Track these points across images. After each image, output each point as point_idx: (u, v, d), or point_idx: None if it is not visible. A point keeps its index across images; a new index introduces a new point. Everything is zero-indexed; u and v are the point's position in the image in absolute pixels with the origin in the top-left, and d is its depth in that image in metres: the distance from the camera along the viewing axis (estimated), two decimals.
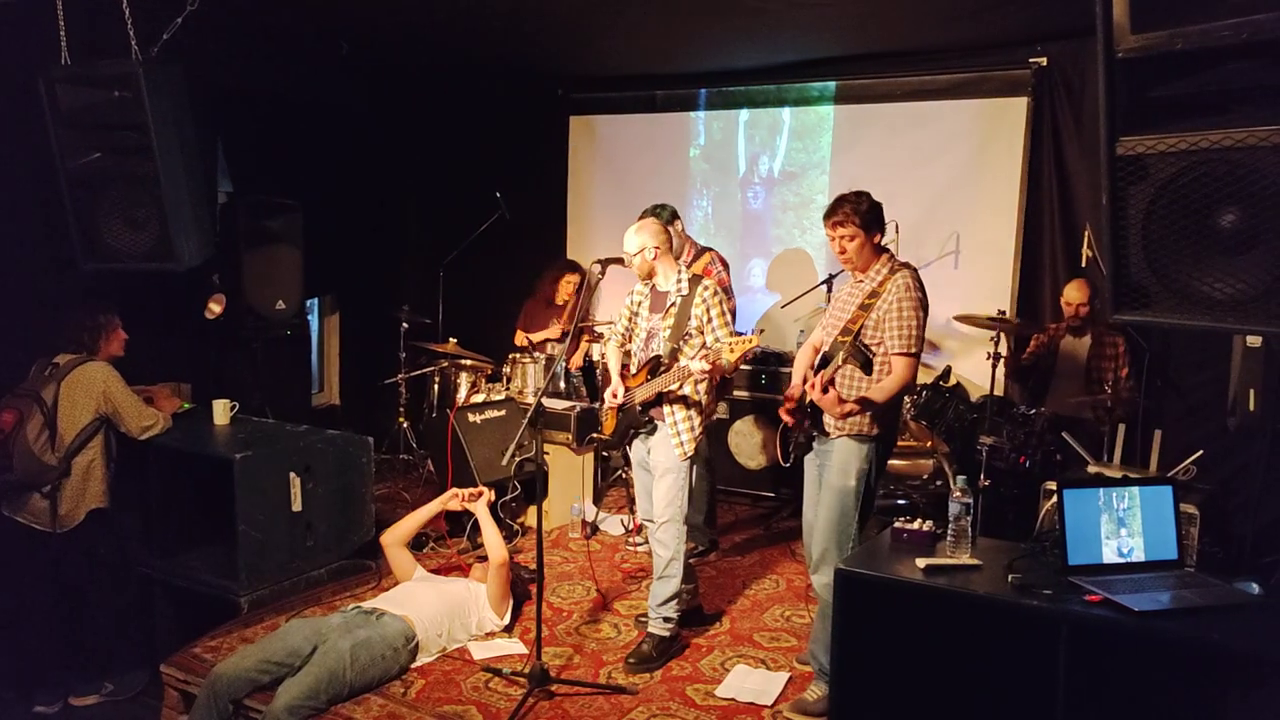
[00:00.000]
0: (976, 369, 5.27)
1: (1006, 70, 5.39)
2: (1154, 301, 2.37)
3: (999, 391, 4.75)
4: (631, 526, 5.16)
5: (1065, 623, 2.35)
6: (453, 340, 5.99)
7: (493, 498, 4.19)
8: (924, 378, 5.11)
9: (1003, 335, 4.77)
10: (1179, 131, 2.25)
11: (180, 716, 3.50)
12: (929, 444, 4.81)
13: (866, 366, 3.18)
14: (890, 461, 4.89)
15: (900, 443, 4.95)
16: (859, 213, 3.26)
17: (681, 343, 3.65)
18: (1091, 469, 4.00)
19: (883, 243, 3.44)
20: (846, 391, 3.28)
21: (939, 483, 4.90)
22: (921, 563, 2.62)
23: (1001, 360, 4.68)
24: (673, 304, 3.74)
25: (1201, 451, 3.51)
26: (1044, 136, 5.32)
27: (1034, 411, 4.56)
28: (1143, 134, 2.29)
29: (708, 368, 3.40)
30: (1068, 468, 4.36)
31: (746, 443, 5.76)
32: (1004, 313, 4.81)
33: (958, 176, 5.62)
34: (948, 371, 4.96)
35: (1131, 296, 2.40)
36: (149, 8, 3.83)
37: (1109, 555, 2.58)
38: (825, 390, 3.17)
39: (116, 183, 3.84)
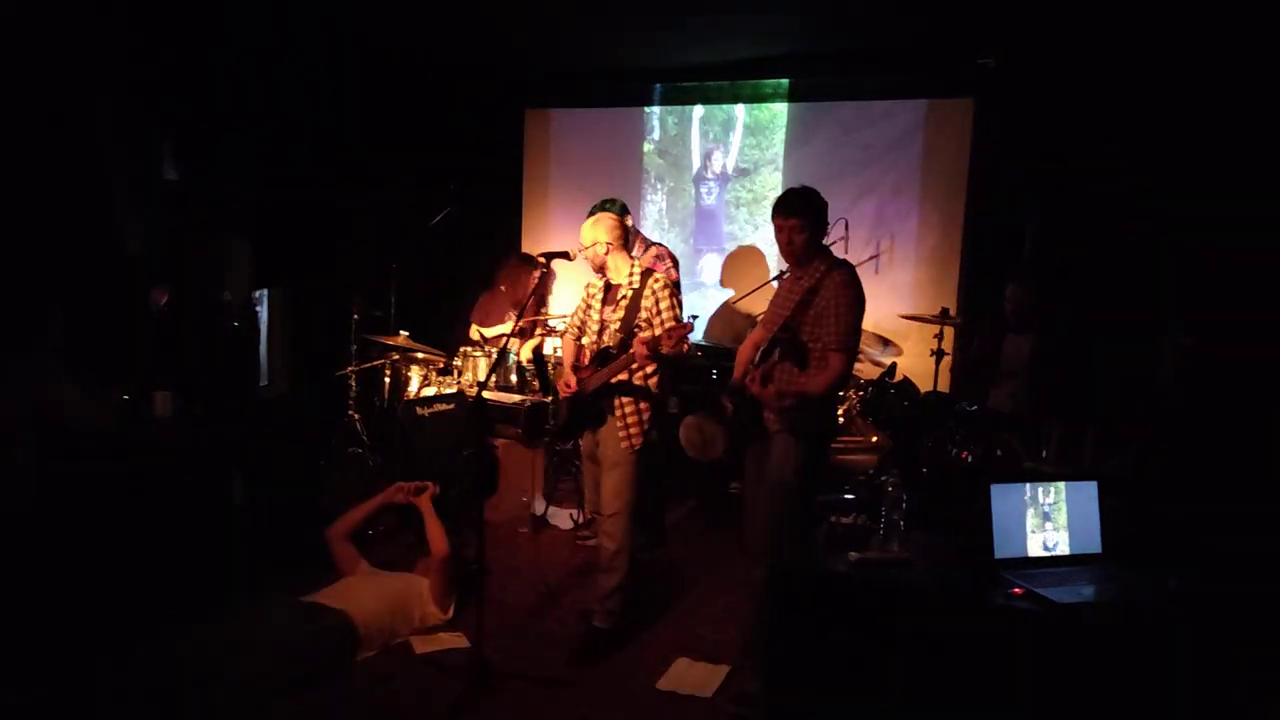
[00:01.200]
0: (923, 366, 5.35)
1: (954, 71, 5.46)
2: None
3: (942, 388, 4.82)
4: (580, 520, 5.17)
5: (989, 615, 2.41)
6: (404, 333, 5.95)
7: (437, 492, 4.18)
8: (870, 374, 5.19)
9: (945, 332, 4.84)
10: None
11: None
12: (874, 439, 4.87)
13: (801, 362, 3.23)
14: (837, 456, 4.98)
15: (846, 438, 5.02)
16: (811, 208, 3.32)
17: (631, 334, 3.67)
18: (1027, 465, 4.07)
19: (825, 242, 3.51)
20: (784, 386, 3.32)
21: (884, 478, 4.96)
22: (853, 556, 2.66)
23: (945, 357, 4.75)
24: (624, 296, 3.77)
25: (1134, 445, 3.60)
26: (988, 137, 5.40)
27: (974, 407, 4.63)
28: None
29: (645, 352, 3.42)
30: (1008, 463, 4.43)
31: (696, 436, 5.78)
32: (948, 310, 4.88)
33: (906, 174, 5.70)
34: (893, 368, 5.03)
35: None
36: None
37: (1034, 549, 2.64)
38: (764, 384, 3.21)
39: (56, 170, 3.78)
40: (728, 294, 6.24)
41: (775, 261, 6.01)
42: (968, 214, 5.53)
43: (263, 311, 6.55)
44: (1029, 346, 4.92)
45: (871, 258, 5.72)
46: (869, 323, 5.68)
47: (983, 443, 4.59)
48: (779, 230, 3.42)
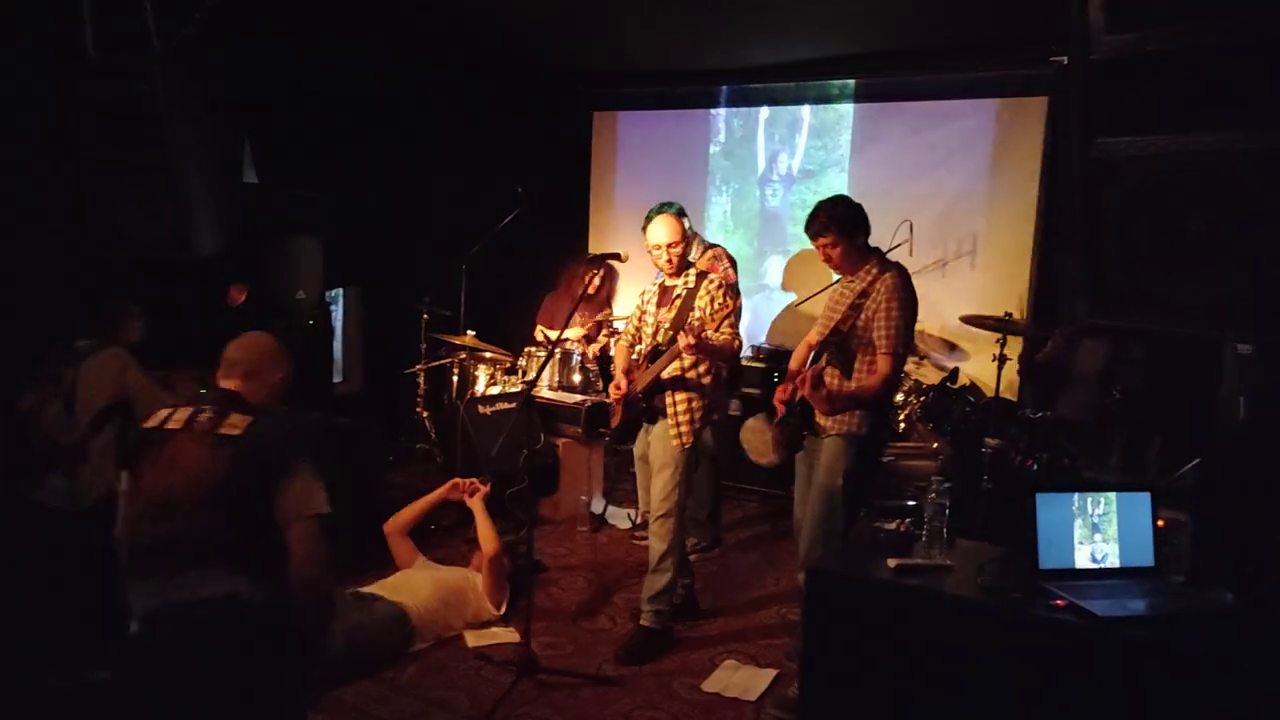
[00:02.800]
0: (990, 371, 5.23)
1: (1026, 69, 5.32)
2: (1126, 306, 2.35)
3: (1006, 393, 4.71)
4: (638, 520, 5.20)
5: (1029, 626, 2.35)
6: (470, 333, 6.07)
7: (489, 491, 4.25)
8: (932, 379, 5.09)
9: (1009, 337, 4.72)
10: (1152, 135, 2.23)
11: None
12: (934, 445, 4.78)
13: (851, 365, 3.20)
14: (897, 462, 4.91)
15: (906, 444, 4.94)
16: (835, 219, 3.29)
17: (681, 333, 3.69)
18: (1087, 475, 3.96)
19: (886, 242, 3.46)
20: (834, 389, 3.30)
21: (947, 484, 4.86)
22: (893, 562, 2.62)
23: (1008, 362, 4.64)
24: (678, 296, 3.79)
25: (1200, 459, 3.46)
26: (1062, 136, 5.24)
27: (1039, 415, 4.51)
28: (1116, 137, 2.28)
29: (692, 341, 3.43)
30: (1072, 472, 4.31)
31: (757, 439, 5.75)
32: (1011, 314, 4.76)
33: (975, 176, 5.57)
34: (955, 373, 4.93)
35: (1104, 301, 2.39)
36: (173, 3, 3.93)
37: (1082, 560, 2.56)
38: (815, 386, 3.19)
39: (133, 174, 3.95)
40: (791, 296, 6.19)
41: None
42: (1040, 216, 5.38)
43: (338, 311, 6.77)
44: (1103, 353, 4.77)
45: (937, 261, 5.61)
46: (935, 327, 5.61)
47: (1049, 451, 4.47)
48: (816, 248, 3.41)
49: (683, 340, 3.48)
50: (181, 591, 2.23)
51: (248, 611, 2.23)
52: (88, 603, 3.98)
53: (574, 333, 5.94)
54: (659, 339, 3.78)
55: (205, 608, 2.22)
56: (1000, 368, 4.57)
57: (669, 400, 3.72)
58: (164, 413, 2.44)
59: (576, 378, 5.80)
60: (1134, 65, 2.20)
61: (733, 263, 5.02)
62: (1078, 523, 2.58)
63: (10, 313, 4.36)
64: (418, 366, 6.30)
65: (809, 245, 6.20)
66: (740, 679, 3.55)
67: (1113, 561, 2.58)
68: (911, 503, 4.81)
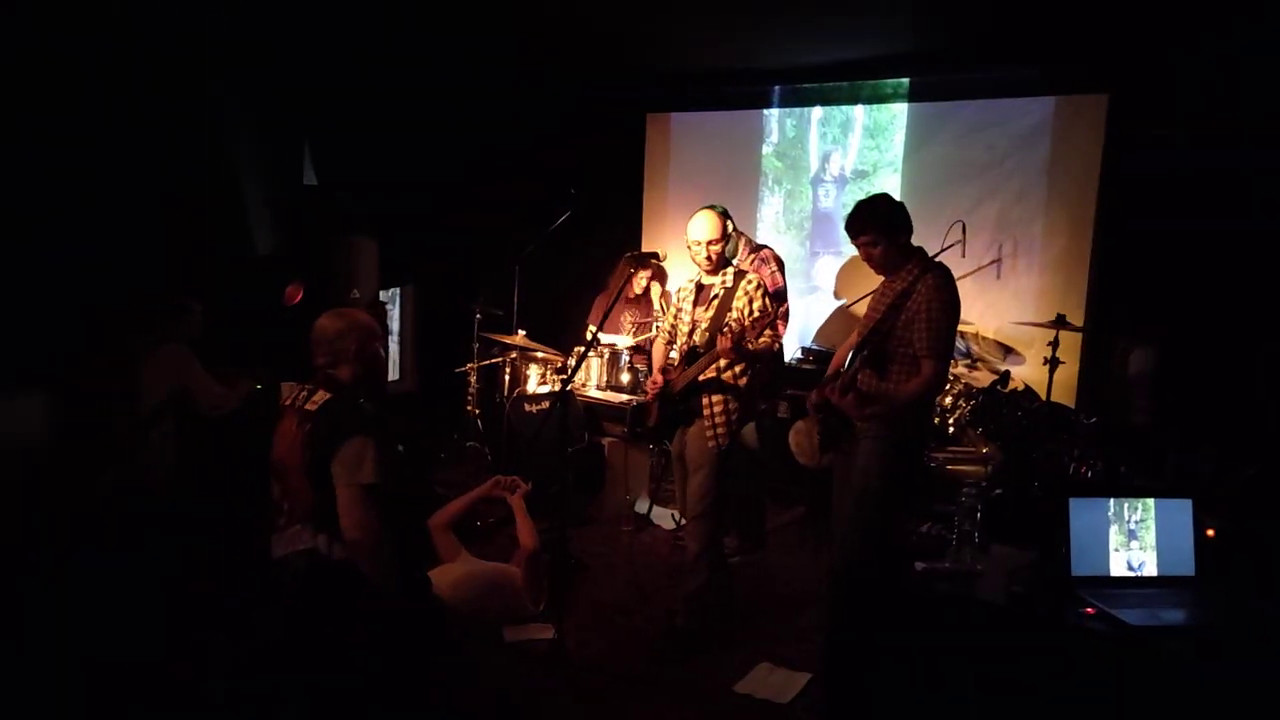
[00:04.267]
0: (1043, 374, 5.10)
1: (1087, 65, 5.18)
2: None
3: (1057, 398, 4.59)
4: (682, 520, 5.19)
5: (1057, 634, 2.29)
6: (521, 332, 6.13)
7: (529, 489, 4.28)
8: (984, 383, 4.99)
9: (1061, 340, 4.60)
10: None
11: None
12: (984, 450, 4.68)
13: (889, 367, 3.14)
14: (946, 466, 4.82)
15: (955, 448, 4.85)
16: (877, 219, 3.23)
17: (719, 333, 3.67)
18: (1136, 483, 3.84)
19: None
20: (871, 392, 3.25)
21: (998, 490, 4.77)
22: (920, 566, 2.58)
23: (1060, 366, 4.52)
24: (715, 296, 3.78)
25: (1256, 467, 3.32)
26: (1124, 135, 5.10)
27: (1093, 421, 4.39)
28: None
29: (729, 345, 3.41)
30: (1128, 480, 4.19)
31: (805, 442, 5.70)
32: (1063, 317, 4.63)
33: (1033, 176, 5.45)
34: (1006, 376, 4.82)
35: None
36: (233, 10, 4.07)
37: (1118, 568, 2.49)
38: (845, 393, 3.15)
39: (197, 174, 4.10)
40: (843, 299, 6.12)
41: None
42: (1099, 217, 5.23)
43: (394, 309, 6.89)
44: (1154, 358, 4.63)
45: (993, 262, 5.50)
46: (990, 329, 5.49)
47: (1104, 457, 4.35)
48: (857, 248, 3.36)
49: (721, 345, 3.47)
50: (288, 544, 2.59)
51: (327, 565, 2.52)
52: (151, 585, 4.14)
53: (623, 340, 5.95)
54: (696, 339, 3.78)
55: (300, 559, 2.56)
56: (1052, 371, 4.45)
57: (705, 402, 3.71)
58: (289, 389, 2.79)
59: (625, 377, 5.81)
60: None
61: (780, 265, 4.97)
62: (1114, 529, 2.51)
63: (78, 308, 4.55)
64: (469, 365, 6.38)
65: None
66: (774, 681, 3.52)
67: (1150, 570, 2.50)
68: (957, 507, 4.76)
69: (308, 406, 2.61)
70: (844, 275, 6.18)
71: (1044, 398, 4.87)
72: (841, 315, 6.09)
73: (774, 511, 5.44)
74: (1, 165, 4.25)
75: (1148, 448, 4.21)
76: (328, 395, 2.62)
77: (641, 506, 5.37)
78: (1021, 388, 5.18)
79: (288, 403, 2.72)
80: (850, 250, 6.17)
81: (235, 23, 4.08)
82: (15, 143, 4.27)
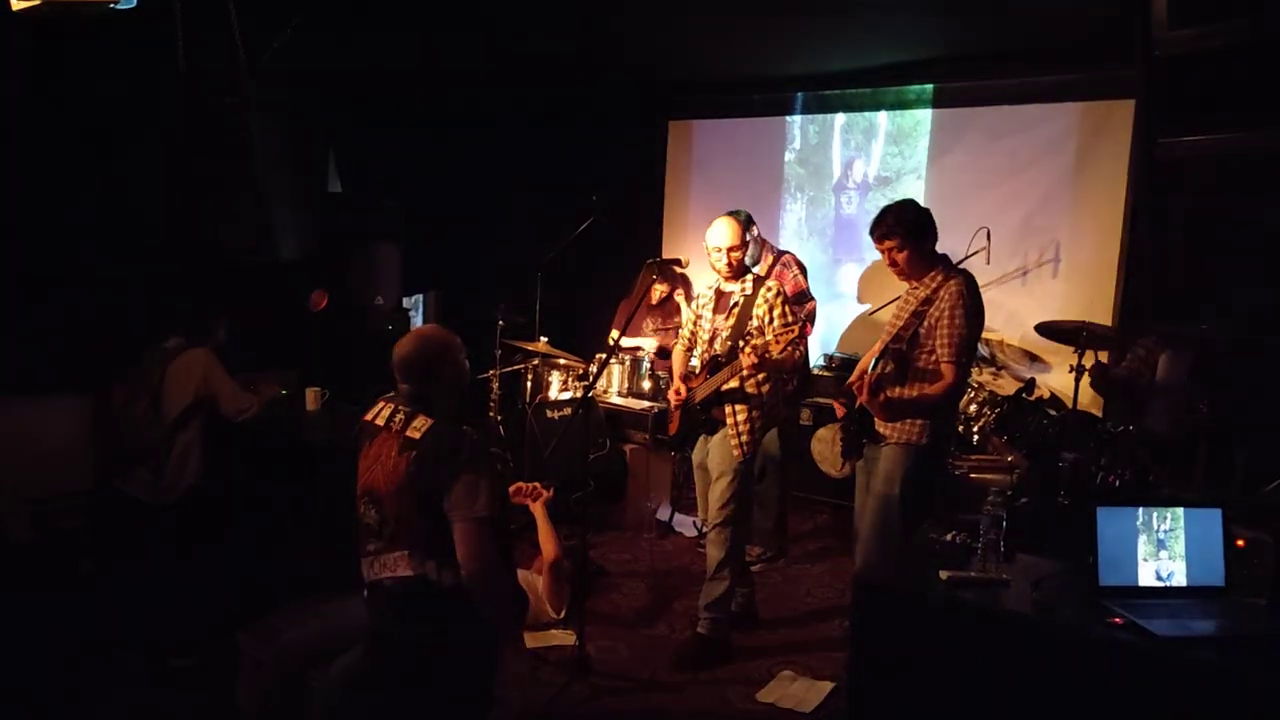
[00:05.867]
0: (1068, 382, 5.05)
1: (1112, 70, 5.13)
2: (1195, 310, 2.26)
3: (1086, 406, 4.54)
4: (704, 528, 5.17)
5: (1084, 644, 2.26)
6: (543, 339, 6.14)
7: (550, 496, 4.27)
8: (1009, 390, 4.94)
9: (1089, 348, 4.55)
10: (1219, 133, 2.13)
11: (251, 683, 3.73)
12: (1009, 459, 4.63)
13: (911, 373, 3.12)
14: (969, 475, 4.77)
15: (979, 456, 4.80)
16: (903, 224, 3.21)
17: (741, 341, 3.66)
18: (1167, 492, 3.78)
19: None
20: (894, 397, 3.23)
21: (1023, 499, 4.72)
22: (944, 574, 2.55)
23: (1086, 373, 4.47)
24: (735, 304, 3.76)
25: None
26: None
27: (1120, 429, 4.33)
28: (1182, 136, 2.19)
29: (754, 360, 3.40)
30: (1157, 489, 4.13)
31: (829, 450, 5.68)
32: (1087, 323, 4.58)
33: (1058, 182, 5.40)
34: (1031, 383, 4.78)
35: (1172, 304, 2.30)
36: (260, 16, 4.10)
37: (1146, 578, 2.45)
38: (874, 393, 3.13)
39: (223, 183, 4.14)
40: (865, 306, 6.10)
41: None
42: (1127, 223, 5.17)
43: (417, 316, 6.93)
44: (1186, 365, 4.56)
45: (1018, 269, 5.45)
46: (1015, 337, 5.44)
47: (1132, 466, 4.29)
48: (881, 254, 3.34)
49: (745, 361, 3.44)
50: (386, 569, 2.55)
51: (436, 592, 2.49)
52: (171, 592, 4.17)
53: (648, 343, 5.95)
54: (717, 348, 3.76)
55: (401, 585, 2.52)
56: (1078, 379, 4.40)
57: (728, 411, 3.70)
58: (378, 406, 2.68)
59: (646, 384, 5.81)
60: (1199, 60, 2.10)
61: (802, 269, 4.96)
62: (1142, 538, 2.47)
63: (107, 313, 4.62)
64: (490, 372, 6.39)
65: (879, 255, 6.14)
66: (796, 690, 3.50)
67: (1179, 580, 2.46)
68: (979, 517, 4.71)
69: (409, 433, 2.51)
70: (866, 282, 6.15)
71: (1071, 405, 4.83)
72: (864, 322, 6.06)
73: (796, 519, 5.41)
74: (29, 173, 4.33)
75: (1176, 456, 4.14)
76: (429, 421, 2.52)
77: (663, 514, 5.36)
78: (1047, 395, 5.14)
79: (380, 423, 2.61)
80: (873, 256, 6.13)
81: (262, 26, 4.11)
82: (42, 149, 4.35)
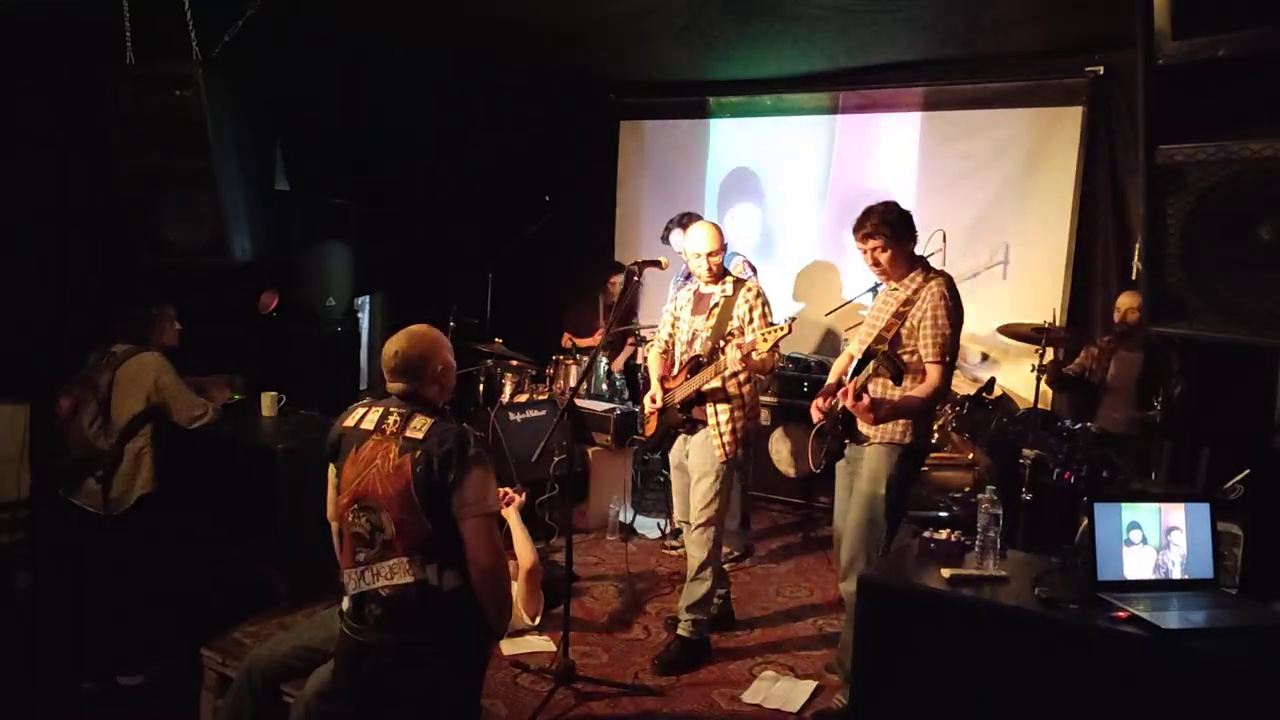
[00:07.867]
0: (1023, 381, 5.19)
1: (1062, 79, 5.29)
2: (1191, 313, 2.32)
3: (1044, 404, 4.66)
4: (668, 529, 5.17)
5: (1091, 639, 2.31)
6: (498, 340, 6.05)
7: (523, 500, 4.21)
8: (967, 389, 5.05)
9: (1048, 347, 4.68)
10: (1219, 140, 2.20)
11: (217, 699, 3.59)
12: (970, 456, 4.74)
13: (897, 377, 3.15)
14: (932, 473, 4.87)
15: (942, 455, 4.90)
16: (888, 224, 3.25)
17: (722, 342, 3.65)
18: (1135, 487, 3.91)
19: (917, 250, 3.43)
20: (880, 399, 3.26)
21: (981, 494, 4.82)
22: (946, 573, 2.59)
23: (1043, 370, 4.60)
24: (716, 304, 3.76)
25: (1249, 470, 3.40)
26: (1099, 146, 5.21)
27: (1079, 426, 4.46)
28: (1182, 143, 2.24)
29: (740, 356, 3.39)
30: (1114, 484, 4.26)
31: (786, 449, 5.73)
32: (1049, 324, 4.71)
33: (1008, 186, 5.54)
34: (991, 383, 4.89)
35: (1169, 308, 2.35)
36: (211, 10, 3.94)
37: (1141, 572, 2.52)
38: (858, 397, 3.15)
39: (174, 180, 3.95)
40: (800, 306, 6.16)
41: (849, 275, 5.91)
42: (1075, 225, 5.34)
43: (364, 317, 6.76)
44: (1140, 364, 4.73)
45: (969, 271, 5.57)
46: (964, 337, 5.56)
47: (1088, 463, 4.43)
48: (863, 253, 3.36)
49: (732, 357, 3.43)
50: (380, 578, 2.45)
51: (436, 597, 2.41)
52: (119, 606, 3.98)
53: (597, 341, 5.93)
54: (698, 348, 3.75)
55: (400, 593, 2.42)
56: (1039, 378, 4.52)
57: (710, 411, 3.69)
58: (359, 411, 2.59)
59: (603, 386, 5.78)
60: (1201, 68, 2.16)
61: (754, 270, 5.01)
62: (1135, 533, 2.54)
63: (51, 317, 4.38)
64: None
65: (819, 257, 6.23)
66: (780, 690, 3.51)
67: (1173, 573, 2.53)
68: (944, 514, 4.80)
69: (410, 434, 2.43)
70: (801, 284, 6.22)
71: (1024, 405, 4.96)
72: (801, 323, 6.12)
73: (754, 519, 5.45)
74: None
75: (1136, 452, 4.29)
76: (429, 420, 2.45)
77: (626, 515, 5.33)
78: (1001, 395, 5.26)
79: (367, 427, 2.52)
80: (810, 257, 6.22)
81: (214, 25, 3.95)
82: None
